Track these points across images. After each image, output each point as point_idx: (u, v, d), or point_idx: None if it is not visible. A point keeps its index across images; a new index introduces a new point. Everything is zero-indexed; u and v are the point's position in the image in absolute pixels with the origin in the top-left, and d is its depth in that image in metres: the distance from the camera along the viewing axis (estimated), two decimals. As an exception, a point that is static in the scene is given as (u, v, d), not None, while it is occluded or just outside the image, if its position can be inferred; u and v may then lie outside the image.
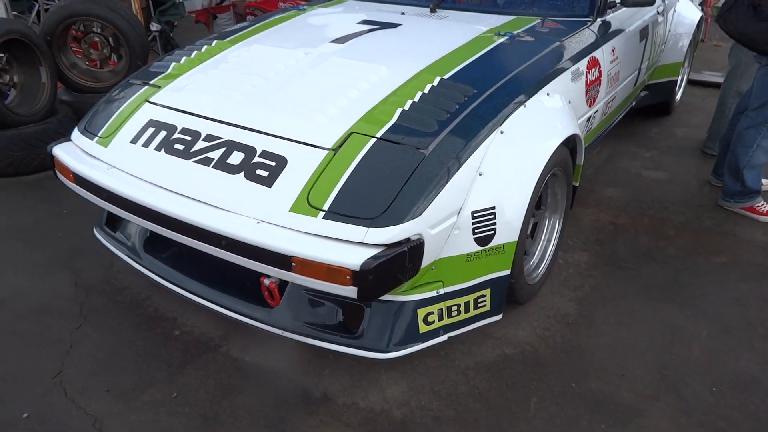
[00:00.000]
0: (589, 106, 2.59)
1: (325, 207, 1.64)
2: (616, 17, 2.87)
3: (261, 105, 2.00)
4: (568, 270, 2.55)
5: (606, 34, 2.72)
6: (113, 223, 2.32)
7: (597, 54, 2.58)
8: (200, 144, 1.90)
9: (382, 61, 2.16)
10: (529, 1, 2.88)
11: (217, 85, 2.15)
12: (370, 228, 1.58)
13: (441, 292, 1.87)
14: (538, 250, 2.39)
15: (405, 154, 1.73)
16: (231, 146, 1.86)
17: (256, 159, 1.80)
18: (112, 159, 2.00)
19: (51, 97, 3.59)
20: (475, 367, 2.02)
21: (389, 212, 1.60)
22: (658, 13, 3.48)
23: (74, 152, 2.09)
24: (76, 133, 2.19)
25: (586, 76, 2.48)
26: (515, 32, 2.45)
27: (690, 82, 4.96)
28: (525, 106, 2.02)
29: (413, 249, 1.61)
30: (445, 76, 2.05)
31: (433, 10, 2.82)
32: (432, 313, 1.87)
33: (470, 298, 1.94)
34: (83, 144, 2.11)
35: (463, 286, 1.91)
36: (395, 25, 2.59)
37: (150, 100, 2.16)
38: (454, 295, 1.90)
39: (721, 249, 2.75)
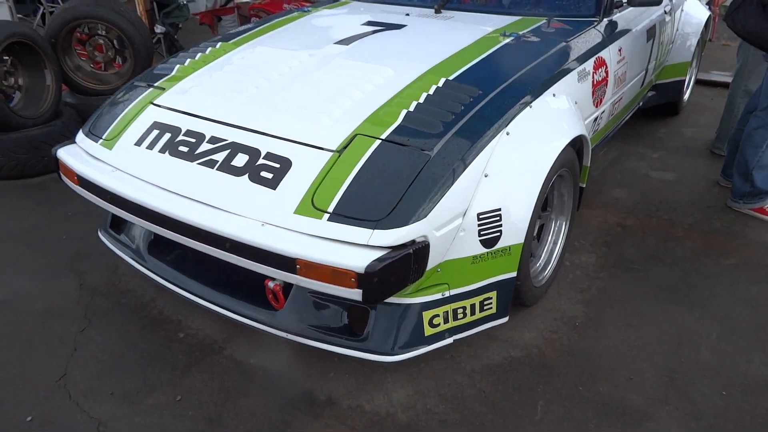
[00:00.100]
0: (596, 106, 2.57)
1: (330, 209, 1.63)
2: (622, 17, 2.85)
3: (265, 107, 1.99)
4: (575, 272, 2.53)
5: (613, 34, 2.70)
6: (118, 225, 2.32)
7: (604, 54, 2.56)
8: (204, 146, 1.90)
9: (387, 63, 2.15)
10: (534, 2, 2.87)
11: (222, 87, 2.15)
12: (375, 230, 1.57)
13: (446, 294, 1.85)
14: (545, 252, 2.37)
15: (410, 156, 1.72)
16: (235, 148, 1.85)
17: (261, 161, 1.79)
18: (116, 161, 2.00)
19: (55, 99, 3.60)
20: (482, 370, 2.00)
21: (394, 214, 1.59)
22: (665, 12, 3.46)
23: (78, 155, 2.09)
24: (80, 136, 2.19)
25: (593, 77, 2.46)
26: (521, 33, 2.44)
27: (698, 81, 4.93)
28: (531, 106, 2.00)
29: (418, 251, 1.60)
30: (451, 77, 2.04)
31: (437, 11, 2.81)
32: (437, 315, 1.86)
33: (476, 300, 1.92)
34: (87, 146, 2.11)
35: (469, 289, 1.89)
36: (400, 26, 2.57)
37: (154, 102, 2.16)
38: (460, 298, 1.89)
39: (730, 250, 2.72)
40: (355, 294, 1.55)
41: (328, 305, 1.88)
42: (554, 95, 2.13)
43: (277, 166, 1.76)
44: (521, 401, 1.88)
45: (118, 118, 2.15)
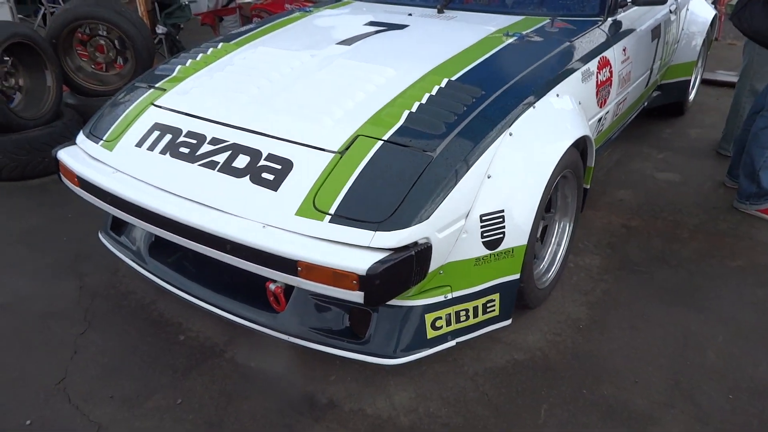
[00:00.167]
0: (600, 107, 2.55)
1: (332, 211, 1.62)
2: (627, 16, 2.83)
3: (267, 107, 1.98)
4: (579, 274, 2.51)
5: (617, 33, 2.68)
6: (118, 227, 2.31)
7: (608, 54, 2.54)
8: (206, 147, 1.88)
9: (389, 63, 2.14)
10: (538, 1, 2.85)
11: (223, 87, 2.14)
12: (377, 232, 1.55)
13: (449, 296, 1.84)
14: (548, 253, 2.35)
15: (412, 157, 1.71)
16: (236, 149, 1.84)
17: (262, 162, 1.78)
18: (117, 162, 1.99)
19: (56, 100, 3.59)
20: (485, 373, 1.99)
21: (396, 216, 1.58)
22: (670, 11, 3.44)
23: (79, 156, 2.08)
24: (81, 137, 2.18)
25: (597, 77, 2.44)
26: (524, 32, 2.42)
27: (704, 81, 4.90)
28: (534, 107, 1.98)
29: (421, 253, 1.59)
30: (453, 78, 2.02)
31: (440, 11, 2.80)
32: (440, 318, 1.84)
33: (479, 302, 1.91)
34: (88, 147, 2.10)
35: (472, 291, 1.88)
36: (402, 27, 2.56)
37: (155, 103, 2.15)
38: (463, 300, 1.87)
39: (736, 252, 2.70)
40: (357, 296, 1.54)
41: (330, 308, 1.87)
42: (558, 95, 2.12)
43: (279, 167, 1.75)
44: (525, 404, 1.86)
45: (119, 120, 2.14)
